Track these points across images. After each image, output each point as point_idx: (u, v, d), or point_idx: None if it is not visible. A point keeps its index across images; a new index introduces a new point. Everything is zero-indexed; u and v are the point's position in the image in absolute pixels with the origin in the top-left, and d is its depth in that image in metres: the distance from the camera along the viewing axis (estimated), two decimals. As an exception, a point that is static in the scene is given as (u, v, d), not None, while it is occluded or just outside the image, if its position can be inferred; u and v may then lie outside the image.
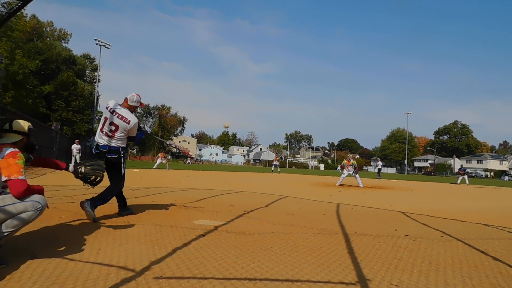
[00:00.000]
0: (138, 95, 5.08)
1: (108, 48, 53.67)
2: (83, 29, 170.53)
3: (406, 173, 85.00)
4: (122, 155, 4.97)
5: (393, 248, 3.89)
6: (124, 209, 5.17)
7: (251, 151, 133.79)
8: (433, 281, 2.82)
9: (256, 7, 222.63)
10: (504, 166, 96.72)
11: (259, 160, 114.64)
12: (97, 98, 54.28)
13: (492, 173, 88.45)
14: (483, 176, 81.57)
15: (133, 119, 4.84)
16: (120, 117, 4.79)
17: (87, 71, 60.71)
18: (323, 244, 3.93)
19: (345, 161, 16.68)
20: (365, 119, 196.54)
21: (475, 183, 33.65)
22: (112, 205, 5.93)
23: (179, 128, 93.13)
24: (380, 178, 28.50)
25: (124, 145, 4.96)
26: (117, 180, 4.97)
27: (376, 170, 33.25)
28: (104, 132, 4.80)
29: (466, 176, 28.81)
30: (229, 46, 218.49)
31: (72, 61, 53.76)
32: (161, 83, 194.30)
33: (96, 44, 52.81)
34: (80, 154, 23.94)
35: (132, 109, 5.05)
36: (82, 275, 2.52)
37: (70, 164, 3.96)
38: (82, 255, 3.00)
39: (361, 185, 15.87)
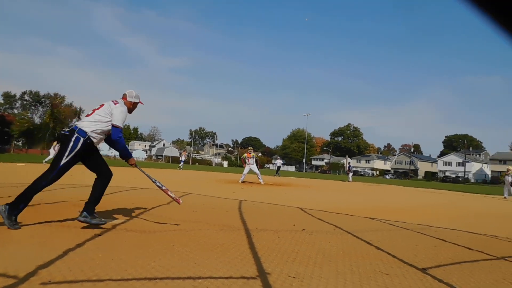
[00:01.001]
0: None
1: (-11, 26, 47.24)
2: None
3: (304, 171, 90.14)
4: (74, 139, 4.07)
5: (291, 242, 4.09)
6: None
7: (154, 146, 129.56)
8: (326, 271, 3.03)
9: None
10: (387, 165, 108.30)
11: (162, 156, 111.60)
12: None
13: (377, 172, 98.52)
14: (370, 175, 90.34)
15: (123, 106, 4.38)
16: (114, 101, 4.37)
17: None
18: (225, 240, 3.97)
19: (245, 154, 17.09)
20: (268, 118, 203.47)
21: (363, 181, 37.12)
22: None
23: (74, 120, 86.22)
24: (278, 176, 29.76)
25: (89, 130, 4.16)
26: (51, 168, 4.06)
27: (276, 168, 34.84)
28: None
29: (350, 174, 31.64)
30: (135, 37, 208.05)
31: None
32: (56, 69, 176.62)
33: (-25, 20, 46.13)
34: None
35: (132, 106, 4.61)
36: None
37: None
38: (-50, 262, 2.60)
39: (261, 182, 16.33)
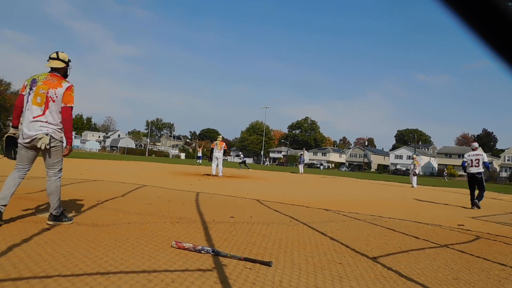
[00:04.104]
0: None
1: None
2: None
3: (262, 164, 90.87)
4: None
5: (248, 234, 4.12)
6: None
7: (108, 137, 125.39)
8: (281, 261, 3.08)
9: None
10: (342, 158, 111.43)
11: (117, 147, 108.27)
12: None
13: (333, 164, 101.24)
14: (326, 167, 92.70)
15: None
16: None
17: None
18: (182, 233, 3.93)
19: (218, 142, 15.87)
20: (227, 111, 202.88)
21: (319, 173, 38.01)
22: None
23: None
24: (248, 168, 29.80)
25: None
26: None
27: (241, 161, 34.74)
28: None
29: (301, 166, 31.83)
30: (88, 22, 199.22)
31: None
32: (1, 54, 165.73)
33: None
34: None
35: None
36: None
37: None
38: None
39: (220, 174, 15.92)
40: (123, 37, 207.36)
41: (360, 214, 6.56)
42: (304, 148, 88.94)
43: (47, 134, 3.77)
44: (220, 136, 16.74)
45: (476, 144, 10.23)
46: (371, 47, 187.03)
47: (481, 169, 9.46)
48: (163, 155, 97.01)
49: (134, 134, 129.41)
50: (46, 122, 3.80)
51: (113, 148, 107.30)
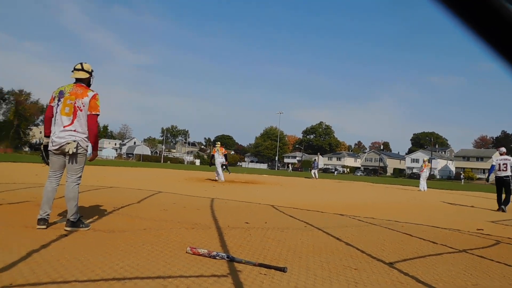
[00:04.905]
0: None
1: None
2: None
3: (276, 169, 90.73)
4: None
5: (262, 240, 4.11)
6: None
7: (124, 144, 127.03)
8: (296, 267, 3.06)
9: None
10: (357, 163, 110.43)
11: (133, 154, 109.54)
12: None
13: (348, 169, 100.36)
14: (341, 172, 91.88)
15: None
16: None
17: None
18: (197, 238, 3.95)
19: (218, 148, 16.12)
20: (241, 116, 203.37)
21: (334, 178, 37.77)
22: None
23: (41, 117, 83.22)
24: (229, 173, 29.35)
25: None
26: None
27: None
28: None
29: (315, 171, 31.67)
30: (104, 32, 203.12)
31: None
32: (20, 65, 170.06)
33: None
34: None
35: None
36: None
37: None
38: None
39: (222, 179, 15.97)
40: (136, 45, 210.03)
41: (376, 219, 6.49)
42: (318, 153, 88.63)
43: (74, 141, 3.95)
44: (219, 143, 17.08)
45: (504, 149, 10.45)
46: (384, 49, 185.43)
47: (509, 173, 9.66)
48: (178, 161, 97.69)
49: (149, 141, 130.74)
50: (74, 131, 3.99)
51: (129, 155, 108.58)
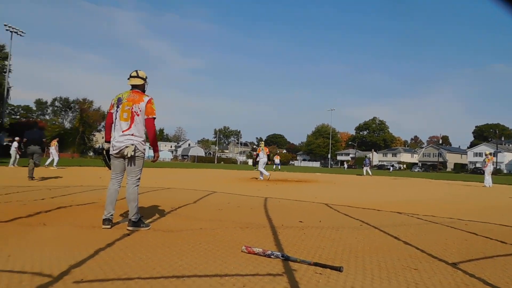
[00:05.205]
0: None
1: (21, 35, 49.31)
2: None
3: (329, 167, 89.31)
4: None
5: (317, 238, 4.07)
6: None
7: (179, 146, 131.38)
8: (353, 267, 3.00)
9: (185, 1, 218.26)
10: (414, 158, 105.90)
11: (187, 156, 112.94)
12: (8, 90, 49.53)
13: (404, 165, 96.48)
14: (397, 168, 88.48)
15: None
16: None
17: (-5, 60, 54.90)
18: (251, 237, 3.99)
19: (263, 148, 16.49)
20: (291, 115, 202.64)
21: (390, 175, 36.52)
22: (25, 207, 5.48)
23: (102, 123, 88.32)
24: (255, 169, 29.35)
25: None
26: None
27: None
28: None
29: (367, 168, 30.95)
30: (158, 40, 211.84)
31: (-24, 48, 48.27)
32: (83, 75, 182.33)
33: (6, 30, 48.20)
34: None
35: None
36: (-11, 284, 2.29)
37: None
38: (-11, 263, 2.72)
39: (261, 178, 16.30)
40: (188, 50, 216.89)
41: (436, 217, 6.18)
42: (372, 149, 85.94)
43: (132, 144, 4.16)
44: (263, 142, 17.37)
45: None
46: (438, 37, 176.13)
47: None
48: (231, 162, 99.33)
49: (203, 143, 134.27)
50: (132, 135, 4.20)
51: (184, 157, 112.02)
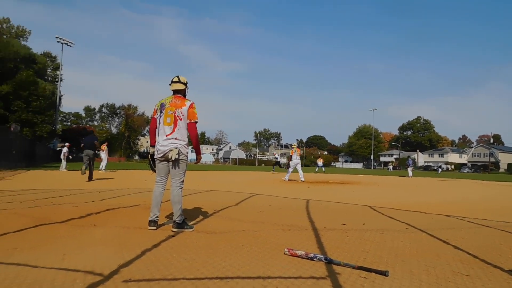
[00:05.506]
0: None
1: (70, 46, 52.24)
2: (44, 27, 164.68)
3: (372, 168, 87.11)
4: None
5: (361, 241, 3.98)
6: None
7: (221, 149, 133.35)
8: (398, 271, 2.91)
9: (223, 6, 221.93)
10: (463, 159, 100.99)
11: (229, 158, 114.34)
12: (60, 98, 52.51)
13: (452, 166, 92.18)
14: (444, 169, 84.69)
15: None
16: None
17: (48, 70, 58.33)
18: (293, 240, 3.97)
19: (296, 149, 16.56)
20: (332, 116, 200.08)
21: (438, 176, 35.07)
22: (77, 209, 5.76)
23: (147, 128, 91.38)
24: (273, 172, 28.72)
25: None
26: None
27: (274, 163, 33.09)
28: None
29: (410, 169, 30.01)
30: (197, 45, 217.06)
31: (32, 59, 51.28)
32: (127, 82, 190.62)
33: (58, 42, 51.21)
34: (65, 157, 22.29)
35: None
36: (45, 282, 2.43)
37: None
38: (45, 261, 2.88)
39: (286, 179, 16.44)
40: (227, 53, 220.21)
41: (489, 221, 5.86)
42: (417, 150, 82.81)
43: (176, 148, 4.27)
44: (295, 144, 17.46)
45: None
46: (486, 31, 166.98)
47: None
48: (272, 164, 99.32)
49: (244, 145, 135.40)
50: (175, 139, 4.31)
51: (226, 159, 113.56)
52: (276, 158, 33.21)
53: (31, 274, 2.59)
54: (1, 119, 37.35)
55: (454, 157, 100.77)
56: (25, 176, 15.64)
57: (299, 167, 16.47)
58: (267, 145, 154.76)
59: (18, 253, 3.14)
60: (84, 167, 13.21)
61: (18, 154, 24.26)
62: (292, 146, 16.91)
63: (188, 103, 4.39)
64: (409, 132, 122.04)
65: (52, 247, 3.38)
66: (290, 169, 16.60)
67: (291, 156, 16.66)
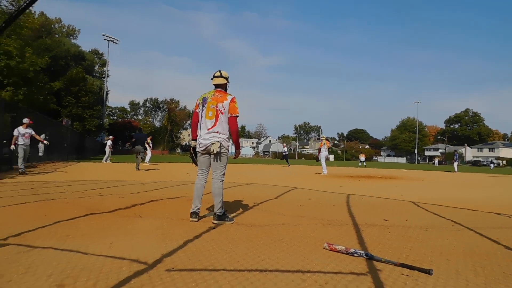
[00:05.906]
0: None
1: (116, 43, 54.35)
2: (91, 25, 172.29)
3: (416, 163, 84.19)
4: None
5: (403, 238, 3.88)
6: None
7: (260, 143, 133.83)
8: (443, 270, 2.81)
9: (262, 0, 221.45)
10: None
11: (269, 152, 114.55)
12: (107, 94, 54.78)
13: (504, 162, 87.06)
14: (496, 165, 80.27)
15: None
16: None
17: (96, 67, 61.20)
18: (333, 235, 3.93)
19: (324, 141, 16.47)
20: (374, 109, 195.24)
21: (489, 172, 33.35)
22: (123, 199, 6.01)
23: (188, 122, 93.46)
24: (288, 165, 27.79)
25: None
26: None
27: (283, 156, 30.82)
28: None
29: (456, 164, 28.91)
30: (238, 39, 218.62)
31: (81, 57, 53.99)
32: (170, 77, 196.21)
33: (104, 39, 53.54)
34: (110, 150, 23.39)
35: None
36: (95, 268, 2.57)
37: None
38: (94, 249, 3.04)
39: (325, 172, 16.47)
40: (267, 47, 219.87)
41: (545, 220, 5.51)
42: (465, 144, 78.99)
43: (217, 141, 4.34)
44: (324, 136, 17.28)
45: None
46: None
47: None
48: (312, 157, 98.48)
49: (283, 139, 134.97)
50: (217, 132, 4.38)
51: (266, 153, 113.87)
52: (285, 152, 30.33)
53: (82, 260, 2.75)
54: (54, 113, 39.56)
55: (506, 152, 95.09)
56: (76, 167, 16.48)
57: (323, 161, 16.53)
58: (307, 138, 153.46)
59: (70, 240, 3.33)
60: (138, 161, 15.30)
61: (69, 147, 25.67)
62: (321, 139, 16.75)
63: (229, 98, 4.44)
64: (457, 126, 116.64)
65: (101, 235, 3.56)
66: (323, 162, 16.55)
67: (320, 148, 16.53)
